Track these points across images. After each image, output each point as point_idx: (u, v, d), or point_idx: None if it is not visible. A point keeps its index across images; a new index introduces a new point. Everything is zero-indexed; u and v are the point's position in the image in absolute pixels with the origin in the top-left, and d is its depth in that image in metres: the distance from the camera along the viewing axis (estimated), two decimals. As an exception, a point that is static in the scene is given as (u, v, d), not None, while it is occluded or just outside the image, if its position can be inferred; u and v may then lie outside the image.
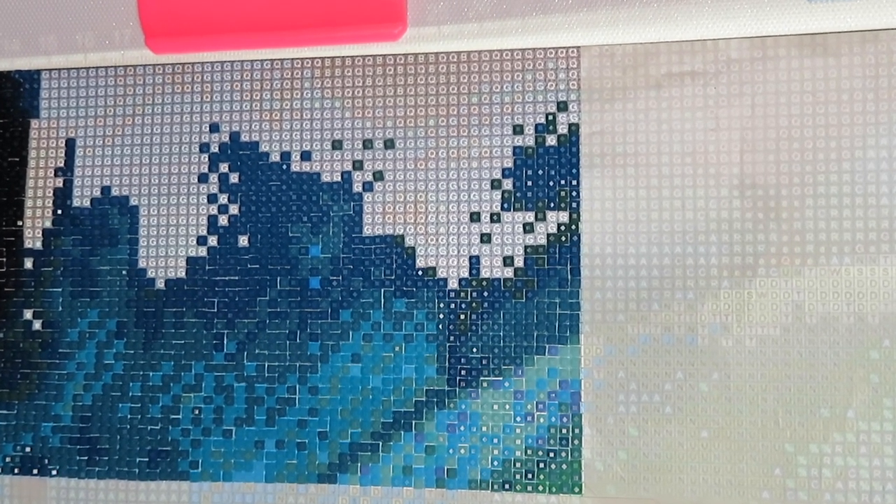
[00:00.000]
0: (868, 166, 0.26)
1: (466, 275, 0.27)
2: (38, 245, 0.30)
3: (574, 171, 0.27)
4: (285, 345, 0.28)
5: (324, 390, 0.28)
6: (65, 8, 0.30)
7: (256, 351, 0.28)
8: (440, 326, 0.27)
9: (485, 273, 0.27)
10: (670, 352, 0.26)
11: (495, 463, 0.27)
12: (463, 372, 0.27)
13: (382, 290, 0.28)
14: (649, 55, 0.27)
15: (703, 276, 0.26)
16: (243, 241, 0.29)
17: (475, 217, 0.27)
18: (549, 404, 0.27)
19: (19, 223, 0.30)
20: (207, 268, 0.29)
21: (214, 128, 0.29)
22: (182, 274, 0.29)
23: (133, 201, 0.30)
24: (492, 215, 0.27)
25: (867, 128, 0.26)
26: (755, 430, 0.26)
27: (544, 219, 0.27)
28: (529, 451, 0.27)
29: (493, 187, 0.27)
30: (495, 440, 0.27)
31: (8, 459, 0.29)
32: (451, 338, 0.27)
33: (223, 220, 0.29)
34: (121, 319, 0.29)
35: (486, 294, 0.27)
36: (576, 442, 0.26)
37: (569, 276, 0.27)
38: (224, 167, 0.29)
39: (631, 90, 0.27)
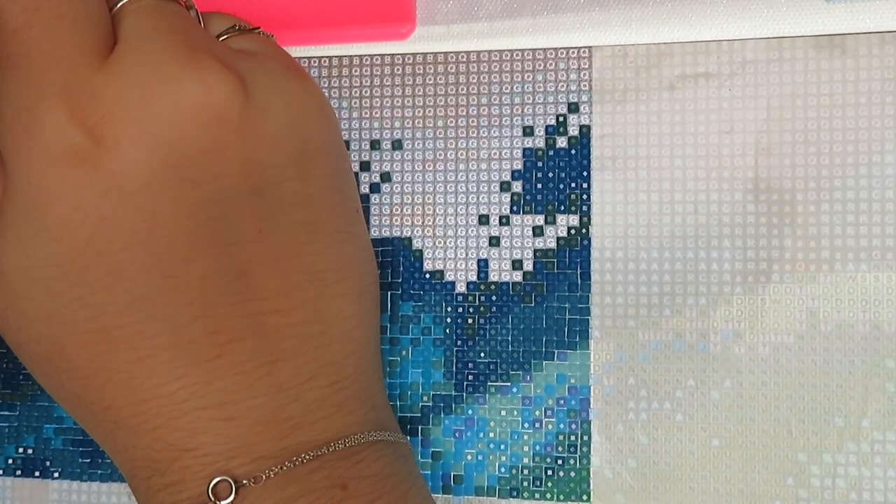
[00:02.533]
0: (886, 171, 0.25)
1: (475, 278, 0.27)
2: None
3: (585, 173, 0.27)
4: (290, 348, 0.27)
5: (329, 394, 0.27)
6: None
7: (261, 354, 0.27)
8: (447, 330, 0.27)
9: (493, 277, 0.27)
10: (682, 358, 0.26)
11: (502, 469, 0.26)
12: (470, 377, 0.27)
13: (389, 293, 0.27)
14: (662, 56, 0.26)
15: (716, 282, 0.26)
16: (248, 242, 0.28)
17: (484, 220, 0.27)
18: (557, 410, 0.26)
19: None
20: (212, 269, 0.29)
21: (220, 127, 0.29)
22: (186, 275, 0.29)
23: (137, 201, 0.29)
24: (501, 218, 0.27)
25: (885, 131, 0.25)
26: (767, 438, 0.25)
27: (554, 222, 0.27)
28: (537, 458, 0.26)
29: (502, 189, 0.27)
30: (503, 446, 0.26)
31: (10, 461, 0.28)
32: (459, 342, 0.27)
33: (228, 221, 0.29)
34: (124, 320, 0.29)
35: (494, 298, 0.27)
36: (584, 449, 0.26)
37: (579, 281, 0.26)
38: (229, 167, 0.29)
39: (644, 91, 0.26)
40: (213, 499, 0.19)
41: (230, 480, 0.20)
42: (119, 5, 0.21)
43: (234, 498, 0.19)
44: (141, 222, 0.20)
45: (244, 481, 0.20)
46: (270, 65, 0.22)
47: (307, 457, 0.20)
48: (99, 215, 0.19)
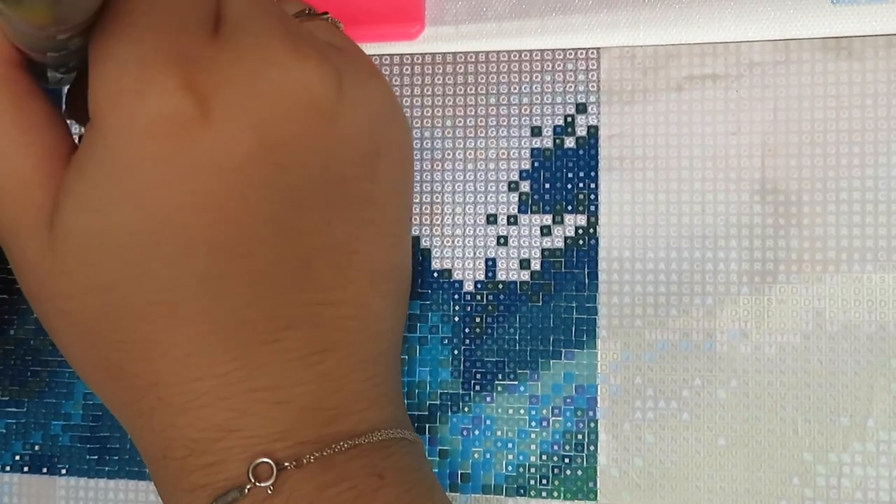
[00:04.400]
0: (892, 172, 0.25)
1: (482, 277, 0.27)
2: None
3: (592, 173, 0.27)
4: (298, 346, 0.27)
5: (337, 392, 0.27)
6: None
7: (269, 352, 0.27)
8: (455, 329, 0.27)
9: (501, 276, 0.27)
10: (688, 358, 0.26)
11: (509, 468, 0.26)
12: (478, 375, 0.27)
13: (397, 292, 0.27)
14: (670, 57, 0.27)
15: (723, 282, 0.26)
16: (257, 240, 0.28)
17: (492, 219, 0.27)
18: (564, 409, 0.26)
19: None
20: (220, 267, 0.29)
21: (229, 126, 0.29)
22: (194, 273, 0.29)
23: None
24: (509, 217, 0.27)
25: (892, 133, 0.25)
26: (773, 438, 0.25)
27: (562, 222, 0.27)
28: (544, 457, 0.26)
29: (510, 189, 0.27)
30: (510, 445, 0.26)
31: (17, 458, 0.28)
32: (466, 341, 0.27)
33: (236, 219, 0.29)
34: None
35: (502, 297, 0.27)
36: (591, 448, 0.26)
37: (586, 280, 0.27)
38: (238, 166, 0.29)
39: (651, 92, 0.27)
40: (252, 480, 0.20)
41: (271, 463, 0.20)
42: None
43: (275, 481, 0.19)
44: (229, 200, 0.19)
45: (285, 464, 0.20)
46: (356, 63, 0.22)
47: (346, 445, 0.20)
48: (190, 188, 0.19)
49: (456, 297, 0.27)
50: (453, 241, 0.27)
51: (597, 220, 0.27)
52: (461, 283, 0.27)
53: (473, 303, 0.27)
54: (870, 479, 0.25)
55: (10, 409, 0.29)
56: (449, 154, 0.27)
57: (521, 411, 0.26)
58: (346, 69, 0.21)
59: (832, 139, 0.26)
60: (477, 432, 0.27)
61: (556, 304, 0.27)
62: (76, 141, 0.21)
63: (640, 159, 0.27)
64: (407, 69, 0.28)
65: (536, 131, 0.27)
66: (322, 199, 0.21)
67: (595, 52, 0.27)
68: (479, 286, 0.27)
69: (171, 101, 0.19)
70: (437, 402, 0.27)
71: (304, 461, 0.20)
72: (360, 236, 0.22)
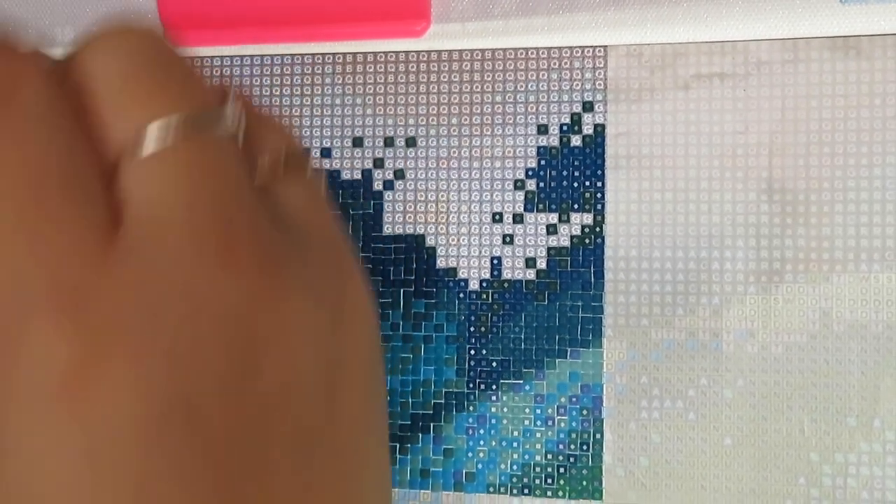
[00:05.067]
0: (900, 172, 0.25)
1: (488, 276, 0.27)
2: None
3: (599, 172, 0.27)
4: (303, 344, 0.27)
5: (341, 391, 0.27)
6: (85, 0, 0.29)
7: (274, 350, 0.27)
8: (460, 328, 0.27)
9: (506, 274, 0.27)
10: (694, 357, 0.26)
11: (514, 467, 0.26)
12: (483, 374, 0.27)
13: (402, 291, 0.27)
14: (678, 56, 0.26)
15: (729, 281, 0.26)
16: (261, 238, 0.28)
17: (497, 217, 0.27)
18: (570, 408, 0.26)
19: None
20: (224, 265, 0.28)
21: (233, 123, 0.29)
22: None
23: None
24: (514, 216, 0.27)
25: (900, 133, 0.25)
26: (780, 438, 0.25)
27: (568, 220, 0.27)
28: (549, 456, 0.26)
29: (516, 187, 0.27)
30: (515, 444, 0.26)
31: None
32: (472, 340, 0.27)
33: (241, 217, 0.29)
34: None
35: (507, 296, 0.27)
36: (597, 447, 0.26)
37: (592, 279, 0.26)
38: (242, 163, 0.29)
39: (658, 91, 0.26)
40: None
41: None
42: (133, 155, 0.15)
43: None
44: (128, 465, 0.13)
45: None
46: (315, 256, 0.16)
47: None
48: (82, 448, 0.13)
49: (461, 295, 0.27)
50: (459, 240, 0.27)
51: (603, 218, 0.27)
52: (466, 281, 0.27)
53: (479, 301, 0.27)
54: (876, 479, 0.25)
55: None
56: (455, 152, 0.27)
57: (527, 410, 0.26)
58: (296, 273, 0.15)
59: (840, 138, 0.26)
60: (482, 431, 0.26)
61: (561, 302, 0.26)
62: None
63: (646, 158, 0.26)
64: (413, 67, 0.28)
65: (543, 129, 0.27)
66: (256, 455, 0.15)
67: (602, 50, 0.27)
68: (484, 285, 0.27)
69: (48, 351, 0.13)
70: (442, 401, 0.27)
71: None
72: (312, 483, 0.16)
